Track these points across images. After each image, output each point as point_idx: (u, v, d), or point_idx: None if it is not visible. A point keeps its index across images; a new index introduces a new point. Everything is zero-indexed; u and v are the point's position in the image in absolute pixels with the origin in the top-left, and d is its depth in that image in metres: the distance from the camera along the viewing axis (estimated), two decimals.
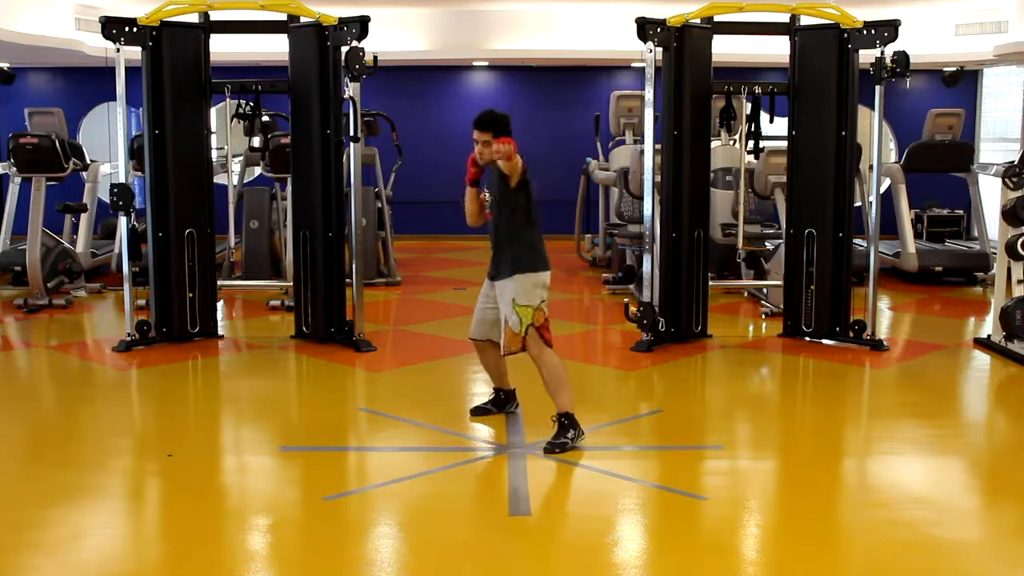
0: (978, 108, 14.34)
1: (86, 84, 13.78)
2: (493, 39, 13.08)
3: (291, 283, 8.14)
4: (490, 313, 5.53)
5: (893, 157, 13.58)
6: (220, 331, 8.01)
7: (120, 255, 7.86)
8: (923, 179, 11.42)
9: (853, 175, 7.77)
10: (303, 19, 7.58)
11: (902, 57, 7.18)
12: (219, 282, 8.37)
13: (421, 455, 5.39)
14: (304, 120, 7.64)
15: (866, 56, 7.47)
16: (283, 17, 7.68)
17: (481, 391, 6.33)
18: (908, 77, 7.28)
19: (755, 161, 9.10)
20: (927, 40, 12.02)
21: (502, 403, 5.86)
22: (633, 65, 13.40)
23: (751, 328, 8.66)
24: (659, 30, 7.35)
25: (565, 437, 5.22)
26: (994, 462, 5.49)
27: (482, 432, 5.67)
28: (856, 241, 8.05)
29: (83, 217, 10.20)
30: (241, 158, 10.68)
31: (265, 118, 8.80)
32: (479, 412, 5.87)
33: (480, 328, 5.62)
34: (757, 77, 11.39)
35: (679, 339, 7.70)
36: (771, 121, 8.76)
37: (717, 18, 7.65)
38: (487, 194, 5.43)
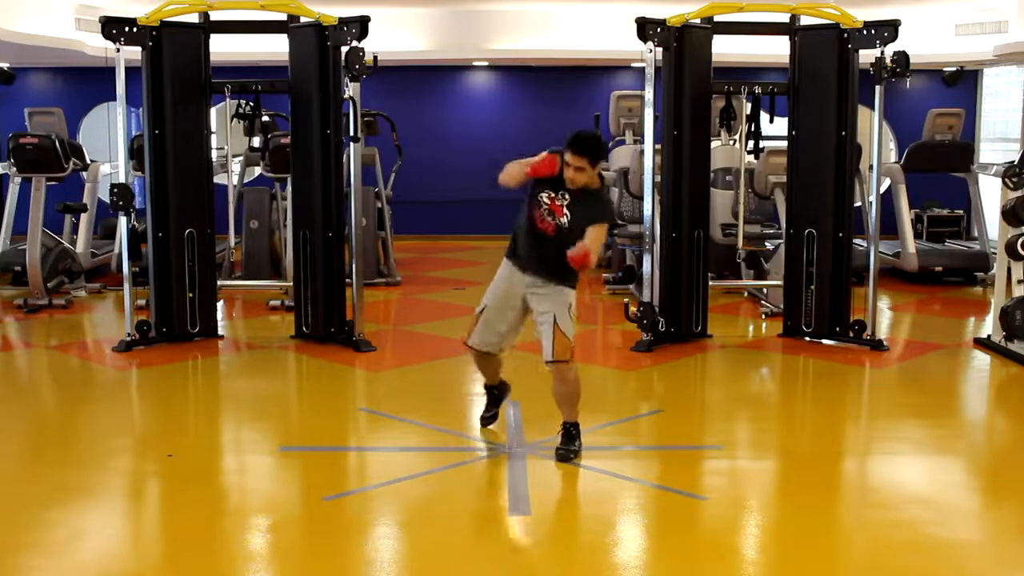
0: (978, 108, 14.33)
1: (86, 84, 13.77)
2: (493, 39, 13.08)
3: (291, 283, 8.14)
4: (511, 316, 5.17)
5: (893, 157, 13.57)
6: (220, 331, 8.00)
7: (120, 255, 7.85)
8: (923, 179, 11.42)
9: (853, 175, 7.77)
10: (303, 19, 7.58)
11: (902, 57, 7.18)
12: (219, 282, 8.37)
13: (421, 455, 5.39)
14: (304, 120, 7.63)
15: (866, 56, 7.47)
16: (283, 17, 7.68)
17: (481, 391, 6.31)
18: (908, 77, 7.28)
19: (755, 161, 9.10)
20: (927, 40, 12.01)
21: (499, 399, 5.70)
22: (633, 65, 13.39)
23: (751, 328, 8.66)
24: (659, 30, 7.35)
25: (575, 444, 5.18)
26: (994, 462, 5.50)
27: (482, 432, 5.66)
28: (856, 241, 8.05)
29: (83, 217, 10.19)
30: (241, 158, 10.68)
31: (265, 118, 8.81)
32: (488, 421, 5.68)
33: (496, 338, 5.20)
34: (757, 77, 11.38)
35: (679, 339, 7.70)
36: (771, 121, 8.76)
37: (717, 18, 7.65)
38: (565, 210, 4.94)
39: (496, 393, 5.67)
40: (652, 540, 4.38)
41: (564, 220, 4.97)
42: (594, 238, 4.86)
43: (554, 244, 4.98)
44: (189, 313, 7.74)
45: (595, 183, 5.00)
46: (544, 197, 5.00)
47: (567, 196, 4.97)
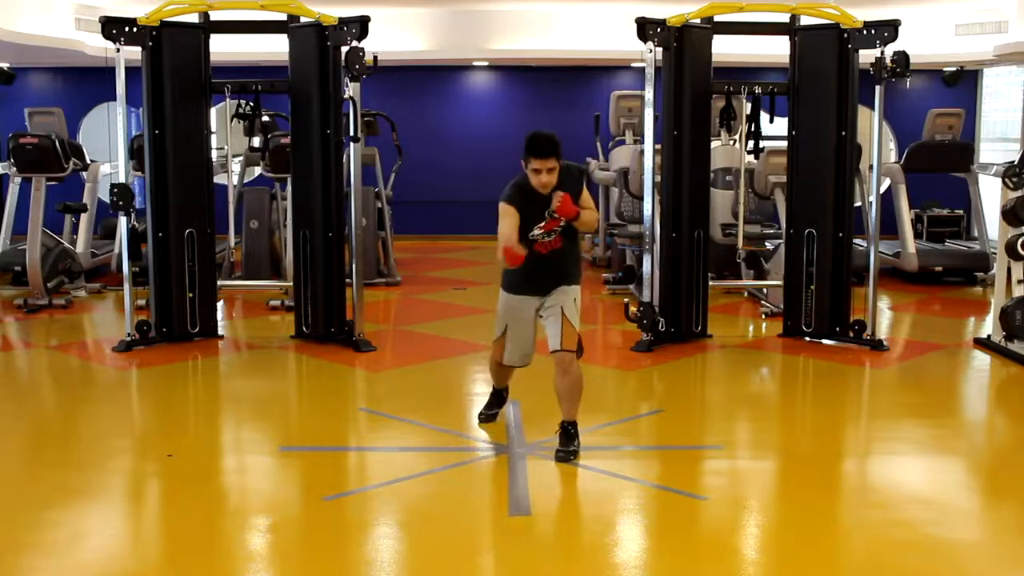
0: (978, 108, 14.33)
1: (86, 84, 13.78)
2: (493, 39, 13.08)
3: (291, 283, 8.14)
4: (531, 325, 5.25)
5: (893, 157, 13.58)
6: (220, 331, 8.01)
7: (120, 255, 7.86)
8: (923, 179, 11.42)
9: (853, 175, 7.77)
10: (303, 19, 7.58)
11: (902, 57, 7.18)
12: (219, 282, 8.37)
13: (421, 455, 5.39)
14: (304, 120, 7.64)
15: (866, 56, 7.47)
16: (283, 17, 7.68)
17: (481, 391, 6.32)
18: (908, 77, 7.28)
19: (755, 161, 9.10)
20: (927, 40, 12.02)
21: (504, 401, 5.80)
22: (633, 65, 13.39)
23: (751, 328, 8.66)
24: (659, 30, 7.35)
25: (574, 444, 5.18)
26: (994, 462, 5.49)
27: (482, 432, 5.66)
28: (856, 241, 8.05)
29: (83, 217, 10.19)
30: (241, 158, 10.68)
31: (265, 118, 8.80)
32: (488, 419, 5.73)
33: (529, 349, 5.32)
34: (757, 77, 11.38)
35: (679, 339, 7.70)
36: (771, 121, 8.76)
37: (717, 18, 7.65)
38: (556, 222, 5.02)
39: (504, 395, 5.77)
40: (652, 540, 4.38)
41: (564, 223, 5.05)
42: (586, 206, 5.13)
43: (563, 250, 5.12)
44: (189, 313, 7.74)
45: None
46: (538, 233, 5.04)
47: (551, 209, 5.02)
